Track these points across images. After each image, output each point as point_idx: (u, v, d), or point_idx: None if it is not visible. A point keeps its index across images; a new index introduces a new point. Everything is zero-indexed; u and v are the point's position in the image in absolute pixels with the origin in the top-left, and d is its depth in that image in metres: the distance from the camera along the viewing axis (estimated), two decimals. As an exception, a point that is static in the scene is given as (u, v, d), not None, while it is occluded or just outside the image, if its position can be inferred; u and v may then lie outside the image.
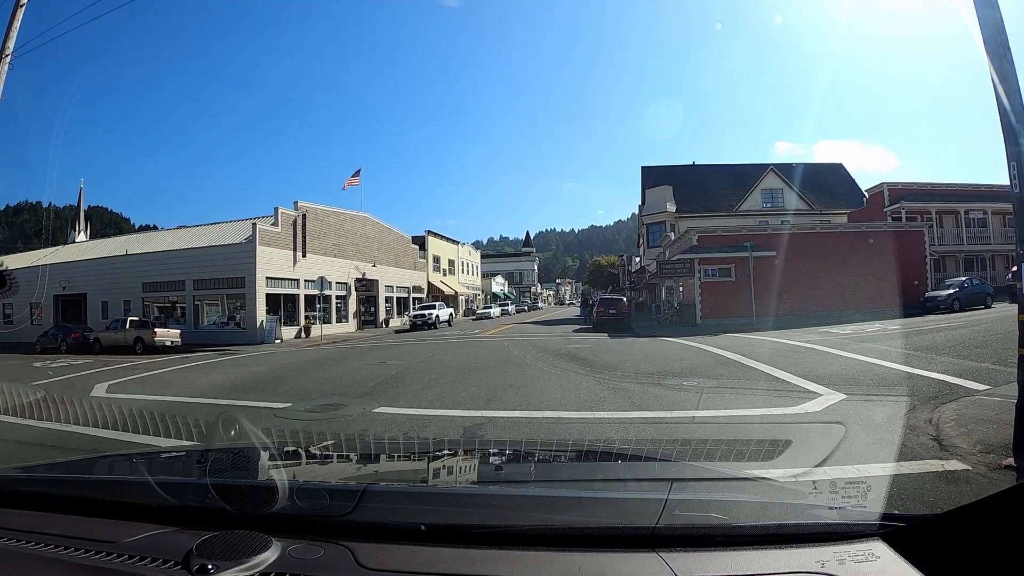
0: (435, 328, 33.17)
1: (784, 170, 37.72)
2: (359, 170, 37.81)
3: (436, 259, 51.12)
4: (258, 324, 26.75)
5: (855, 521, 1.22)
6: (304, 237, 30.40)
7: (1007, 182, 4.66)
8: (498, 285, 77.37)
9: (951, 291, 23.55)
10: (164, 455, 2.87)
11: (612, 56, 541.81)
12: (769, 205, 36.68)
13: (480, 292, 66.52)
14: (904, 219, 34.44)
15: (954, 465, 4.22)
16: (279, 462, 1.95)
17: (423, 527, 1.17)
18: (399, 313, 40.76)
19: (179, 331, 25.03)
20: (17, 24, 10.55)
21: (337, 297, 33.53)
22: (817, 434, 5.47)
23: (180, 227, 38.26)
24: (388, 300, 40.49)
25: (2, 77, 10.27)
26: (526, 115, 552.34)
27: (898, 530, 1.15)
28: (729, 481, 1.78)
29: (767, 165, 38.24)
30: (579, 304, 56.30)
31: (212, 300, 29.43)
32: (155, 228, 55.00)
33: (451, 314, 39.42)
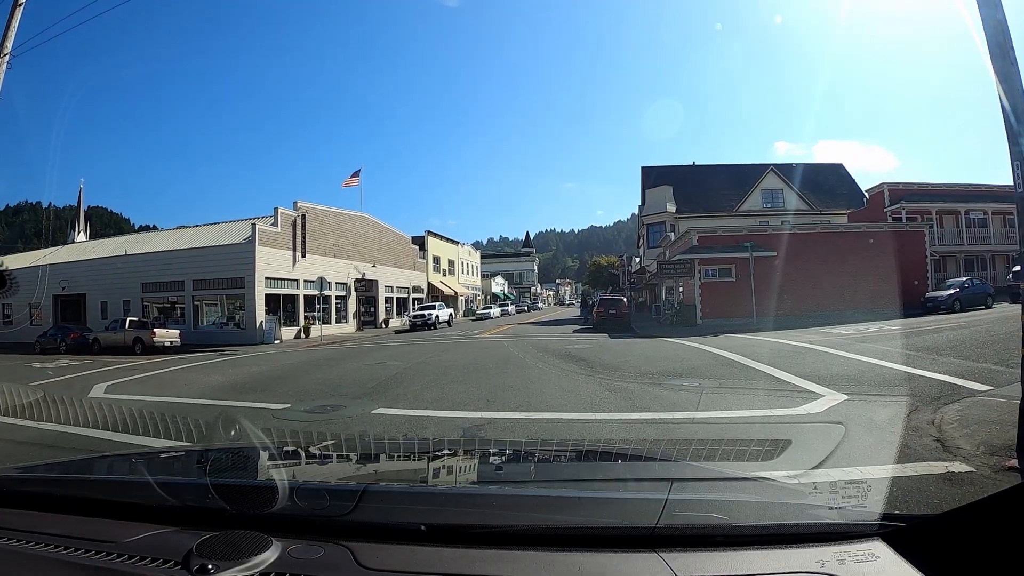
0: (435, 328, 33.17)
1: (784, 170, 37.73)
2: (359, 170, 37.92)
3: (436, 259, 51.13)
4: (257, 324, 26.75)
5: (855, 521, 1.22)
6: (304, 237, 30.40)
7: (1007, 182, 4.66)
8: (498, 285, 77.38)
9: (952, 291, 23.55)
10: (164, 455, 2.86)
11: (612, 56, 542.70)
12: (769, 205, 36.68)
13: (480, 292, 66.54)
14: (904, 219, 34.46)
15: (958, 467, 4.21)
16: (279, 462, 1.95)
17: (423, 527, 1.17)
18: (399, 313, 40.76)
19: (178, 331, 25.02)
20: (16, 23, 10.55)
21: (337, 297, 33.54)
22: (818, 434, 5.47)
23: (180, 227, 38.33)
24: (388, 300, 40.50)
25: (1, 76, 10.26)
26: (526, 115, 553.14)
27: (898, 530, 1.15)
28: (729, 481, 1.78)
29: (767, 165, 38.24)
30: (579, 305, 56.31)
31: (211, 300, 29.44)
32: (155, 228, 55.11)
33: (451, 314, 39.42)
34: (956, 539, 1.10)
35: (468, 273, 62.03)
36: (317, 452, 2.43)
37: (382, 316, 38.83)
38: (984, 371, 8.14)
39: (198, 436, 5.37)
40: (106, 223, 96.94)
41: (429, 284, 47.66)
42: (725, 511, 1.25)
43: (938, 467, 4.24)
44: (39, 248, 45.41)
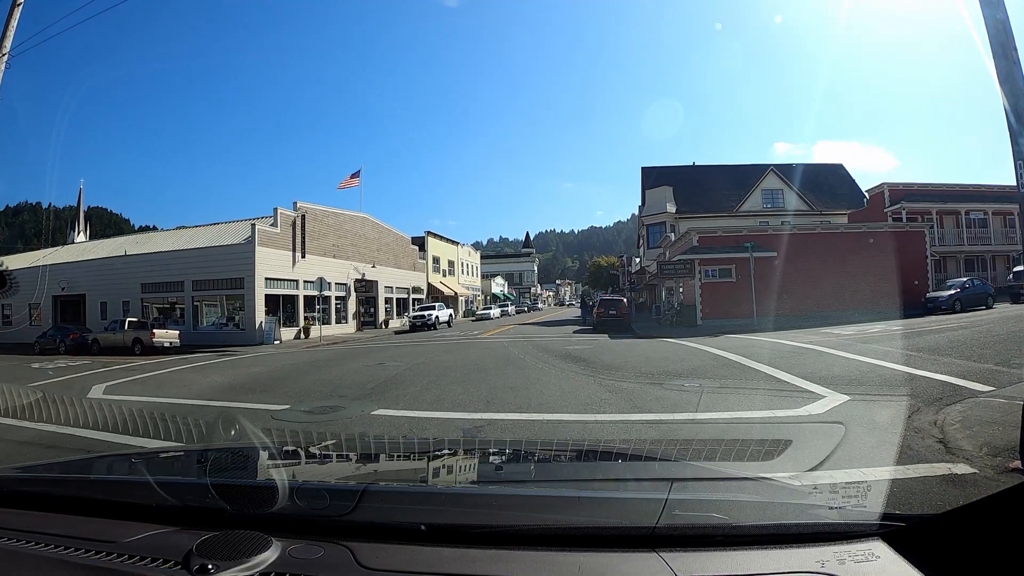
0: (435, 329, 33.17)
1: (784, 170, 37.74)
2: (358, 171, 37.82)
3: (436, 260, 51.15)
4: (257, 325, 26.76)
5: (855, 521, 1.22)
6: (303, 238, 30.41)
7: (1007, 182, 4.68)
8: (498, 286, 77.39)
9: (952, 292, 23.55)
10: (164, 455, 2.86)
11: (612, 56, 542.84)
12: (769, 206, 36.70)
13: (480, 293, 66.55)
14: (905, 219, 34.48)
15: (960, 468, 4.20)
16: (279, 462, 1.95)
17: (423, 527, 1.17)
18: (399, 314, 40.76)
19: (178, 332, 25.03)
20: (15, 23, 10.56)
21: (336, 298, 33.55)
22: (818, 435, 5.46)
23: (179, 228, 38.37)
24: (388, 301, 40.50)
25: (0, 76, 10.27)
26: (526, 115, 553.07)
27: (898, 530, 1.15)
28: (729, 481, 1.78)
29: (767, 166, 38.26)
30: (579, 305, 56.32)
31: (211, 301, 29.46)
32: (154, 229, 55.16)
33: (451, 315, 39.41)
34: (956, 539, 1.10)
35: (468, 274, 62.04)
36: (317, 452, 2.43)
37: (382, 317, 38.84)
38: (986, 372, 8.13)
39: (197, 437, 5.36)
40: (106, 223, 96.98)
41: (429, 285, 47.67)
42: (725, 511, 1.25)
43: (940, 468, 4.23)
44: (39, 248, 45.44)
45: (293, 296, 30.10)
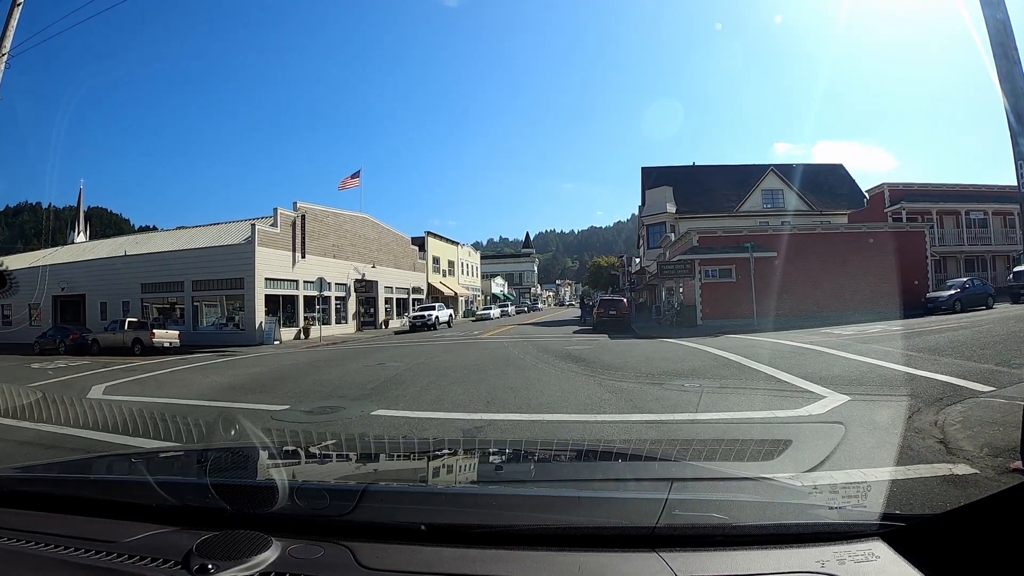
0: (435, 329, 33.17)
1: (784, 171, 37.76)
2: (358, 171, 37.84)
3: (436, 260, 51.16)
4: (257, 325, 26.76)
5: (855, 521, 1.22)
6: (303, 238, 30.41)
7: (1007, 182, 4.68)
8: (498, 286, 77.40)
9: (952, 292, 23.56)
10: (163, 454, 2.86)
11: (612, 56, 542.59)
12: (769, 206, 36.71)
13: (480, 293, 66.56)
14: (905, 220, 34.51)
15: (961, 469, 4.19)
16: (279, 462, 1.95)
17: (423, 527, 1.17)
18: (399, 314, 40.76)
19: (178, 332, 25.02)
20: (15, 23, 10.56)
21: (336, 298, 33.56)
22: (818, 435, 5.47)
23: (179, 228, 38.37)
24: (387, 301, 40.51)
25: None
26: (526, 115, 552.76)
27: (898, 530, 1.15)
28: (729, 481, 1.78)
29: (767, 166, 38.28)
30: (578, 305, 56.30)
31: (211, 301, 29.47)
32: (154, 229, 55.12)
33: (451, 315, 39.41)
34: (956, 539, 1.10)
35: (468, 274, 62.04)
36: (317, 452, 2.43)
37: (382, 317, 38.84)
38: (986, 372, 8.13)
39: (197, 437, 5.36)
40: (106, 224, 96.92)
41: (429, 285, 47.68)
42: (725, 511, 1.25)
43: (941, 469, 4.22)
44: (39, 249, 45.47)
45: (293, 296, 30.10)
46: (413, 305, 41.84)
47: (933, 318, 20.22)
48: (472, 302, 61.29)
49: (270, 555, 1.09)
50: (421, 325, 33.35)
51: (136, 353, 22.49)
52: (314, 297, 29.97)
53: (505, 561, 1.08)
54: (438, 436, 6.25)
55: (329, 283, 30.24)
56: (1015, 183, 4.61)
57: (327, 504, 1.32)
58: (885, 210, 38.10)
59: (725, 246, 26.38)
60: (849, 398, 7.01)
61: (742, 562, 1.06)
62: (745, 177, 37.90)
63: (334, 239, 33.80)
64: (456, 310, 49.36)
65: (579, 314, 42.40)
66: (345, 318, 34.57)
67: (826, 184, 37.52)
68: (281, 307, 29.15)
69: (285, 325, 28.78)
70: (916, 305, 22.92)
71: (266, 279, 28.00)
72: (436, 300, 42.94)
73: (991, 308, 22.78)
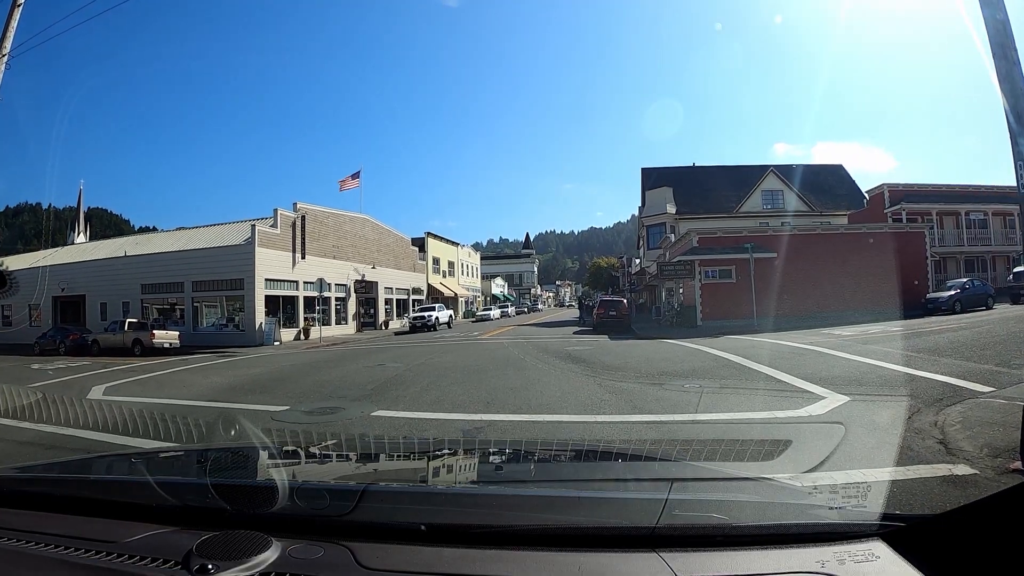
0: (435, 330, 33.18)
1: (784, 171, 37.78)
2: (358, 171, 37.86)
3: (436, 261, 51.17)
4: (257, 326, 26.76)
5: (855, 521, 1.22)
6: (303, 239, 30.42)
7: (1007, 183, 4.68)
8: (498, 287, 77.40)
9: (952, 292, 23.54)
10: (163, 454, 2.86)
11: (612, 57, 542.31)
12: (769, 206, 36.71)
13: (480, 294, 66.57)
14: (905, 220, 34.53)
15: (961, 469, 4.19)
16: (279, 462, 1.95)
17: (423, 527, 1.17)
18: (399, 315, 40.77)
19: (178, 333, 25.03)
20: (15, 23, 10.57)
21: (336, 299, 33.56)
22: (818, 435, 5.47)
23: (179, 229, 38.41)
24: (388, 302, 40.52)
25: (0, 76, 10.27)
26: (525, 116, 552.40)
27: (898, 530, 1.15)
28: (729, 481, 1.78)
29: (767, 166, 38.30)
30: (578, 306, 56.28)
31: (211, 302, 29.48)
32: (154, 230, 55.11)
33: (451, 316, 39.43)
34: (956, 539, 1.10)
35: (468, 275, 62.04)
36: (317, 452, 2.43)
37: (382, 318, 38.85)
38: (986, 372, 8.13)
39: (198, 437, 5.36)
40: (106, 224, 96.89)
41: (429, 286, 47.69)
42: (725, 511, 1.25)
43: (941, 469, 4.22)
44: (39, 249, 45.43)
45: (293, 297, 30.11)
46: (413, 306, 41.84)
47: (933, 319, 20.22)
48: (472, 303, 61.30)
49: (270, 555, 1.09)
50: (421, 326, 33.35)
51: (136, 354, 22.48)
52: (314, 298, 29.97)
53: (505, 561, 1.08)
54: (438, 437, 6.26)
55: (329, 284, 30.23)
56: (1015, 184, 4.60)
57: (327, 504, 1.33)
58: (885, 211, 38.14)
59: (725, 247, 26.38)
60: (849, 399, 7.01)
61: (742, 562, 1.06)
62: (745, 178, 37.93)
63: (334, 240, 33.81)
64: (456, 311, 49.36)
65: (579, 315, 42.39)
66: (345, 319, 34.57)
67: (826, 185, 37.54)
68: (281, 308, 29.15)
69: (285, 326, 28.79)
70: (916, 306, 22.91)
71: (266, 280, 28.00)
72: (436, 301, 42.95)
73: (991, 309, 22.77)
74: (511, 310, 61.00)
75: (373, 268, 37.32)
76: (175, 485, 1.56)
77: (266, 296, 27.98)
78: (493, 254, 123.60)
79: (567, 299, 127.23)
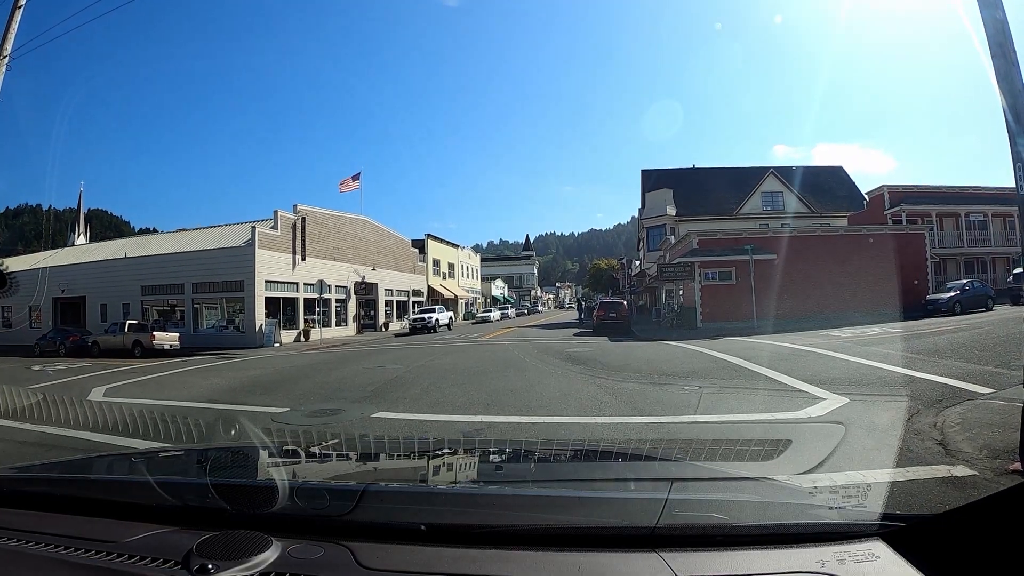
0: (435, 332, 33.16)
1: (784, 173, 37.82)
2: (358, 173, 37.88)
3: (436, 263, 51.17)
4: (257, 328, 26.75)
5: (855, 521, 1.22)
6: (303, 240, 30.43)
7: (1007, 184, 4.66)
8: (498, 289, 77.40)
9: (952, 294, 23.53)
10: (163, 454, 2.86)
11: (612, 58, 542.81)
12: (769, 208, 36.75)
13: (480, 296, 66.56)
14: (904, 222, 34.51)
15: (960, 470, 4.19)
16: (279, 462, 1.95)
17: (423, 527, 1.17)
18: (399, 317, 40.75)
19: (178, 334, 25.03)
20: (15, 25, 10.57)
21: (336, 301, 33.55)
22: (818, 436, 5.46)
23: (179, 230, 38.45)
24: (388, 304, 40.52)
25: (0, 78, 10.28)
26: (526, 118, 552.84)
27: (898, 530, 1.15)
28: (729, 481, 1.78)
29: (767, 168, 38.35)
30: (576, 308, 56.24)
31: (211, 303, 29.49)
32: (155, 231, 55.15)
33: (451, 318, 39.41)
34: (956, 539, 1.10)
35: (468, 276, 62.04)
36: (317, 452, 2.43)
37: (382, 319, 38.85)
38: (986, 374, 8.13)
39: (198, 438, 5.36)
40: (106, 226, 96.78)
41: (429, 287, 47.69)
42: (725, 511, 1.25)
43: (940, 470, 4.22)
44: (39, 251, 45.45)
45: (293, 299, 30.11)
46: (413, 308, 41.82)
47: (933, 320, 20.21)
48: (472, 305, 61.29)
49: (270, 555, 1.09)
50: (421, 328, 33.32)
51: (136, 355, 22.48)
52: (314, 300, 29.95)
53: (505, 561, 1.08)
54: (438, 437, 6.25)
55: (329, 285, 30.21)
56: (1014, 185, 4.59)
57: (327, 504, 1.33)
58: (885, 212, 38.16)
59: (725, 248, 26.39)
60: (849, 400, 7.01)
61: (742, 562, 1.06)
62: (745, 179, 37.97)
63: (334, 241, 33.82)
64: (456, 313, 49.34)
65: (579, 316, 42.36)
66: (345, 320, 34.57)
67: (826, 186, 37.57)
68: (281, 309, 29.15)
69: (285, 327, 28.78)
70: (916, 307, 22.90)
71: (266, 281, 28.01)
72: (436, 303, 42.94)
73: (991, 310, 22.76)
74: (511, 312, 60.96)
75: (373, 270, 37.33)
76: (175, 485, 1.56)
77: (266, 298, 27.98)
78: (493, 256, 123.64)
79: (567, 301, 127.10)
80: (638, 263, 49.86)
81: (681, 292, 29.91)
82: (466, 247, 64.05)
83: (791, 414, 6.54)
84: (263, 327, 26.84)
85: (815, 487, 1.79)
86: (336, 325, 33.13)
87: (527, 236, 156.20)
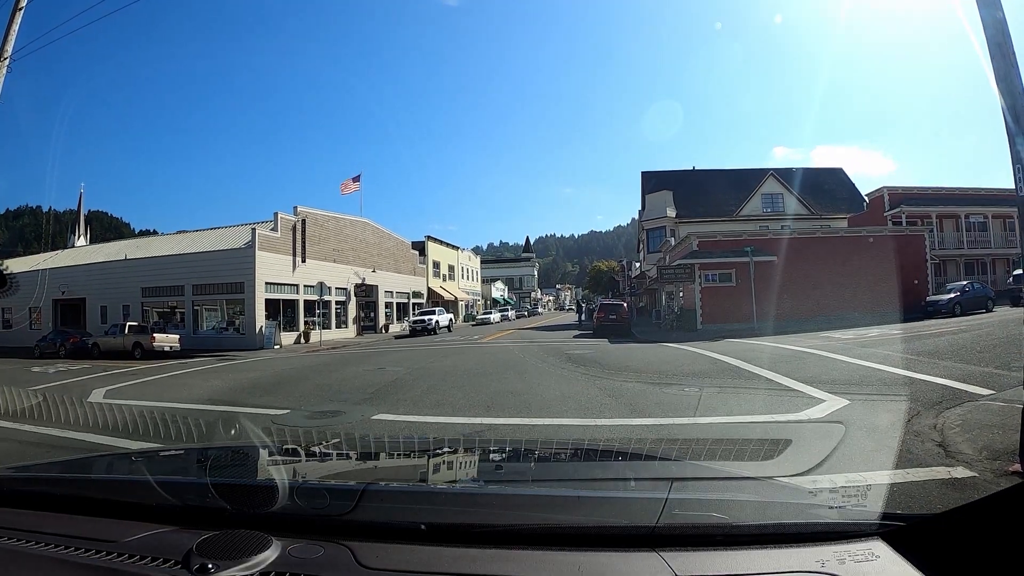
0: (435, 334, 33.15)
1: (784, 175, 37.82)
2: (359, 175, 37.97)
3: (436, 264, 51.20)
4: (257, 329, 26.76)
5: (855, 521, 1.22)
6: (304, 242, 30.44)
7: (1006, 185, 4.65)
8: (498, 290, 77.38)
9: (952, 295, 23.53)
10: (163, 453, 2.86)
11: (612, 59, 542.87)
12: (769, 210, 36.76)
13: (480, 297, 66.55)
14: (904, 223, 34.48)
15: (960, 471, 4.20)
16: (279, 462, 1.95)
17: (423, 526, 1.17)
18: (399, 319, 40.77)
19: (178, 336, 25.04)
20: (16, 27, 10.59)
21: (337, 303, 33.54)
22: (818, 436, 5.46)
23: (180, 232, 38.45)
24: (388, 306, 40.52)
25: (1, 80, 10.29)
26: (526, 119, 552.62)
27: (898, 530, 1.15)
28: (729, 480, 1.78)
29: (767, 170, 38.35)
30: (576, 310, 56.22)
31: (211, 305, 29.49)
32: (155, 233, 55.15)
33: (451, 320, 39.39)
34: (955, 538, 1.10)
35: (468, 278, 62.06)
36: (317, 452, 2.43)
37: (382, 321, 38.84)
38: (986, 375, 8.13)
39: (198, 438, 5.36)
40: (106, 227, 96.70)
41: (429, 289, 47.70)
42: (725, 510, 1.25)
43: (940, 472, 4.22)
44: (39, 252, 45.44)
45: (293, 300, 30.11)
46: (413, 309, 41.82)
47: (933, 321, 20.21)
48: (472, 306, 61.30)
49: (270, 555, 1.09)
50: (421, 329, 33.31)
51: (136, 357, 22.49)
52: (314, 301, 29.95)
53: (505, 561, 1.08)
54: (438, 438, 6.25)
55: (329, 287, 30.20)
56: (1013, 186, 4.59)
57: (327, 504, 1.33)
58: (885, 214, 38.14)
59: (725, 250, 26.40)
60: (848, 402, 7.01)
61: (742, 562, 1.06)
62: (745, 181, 37.96)
63: (334, 243, 33.84)
64: (456, 314, 49.34)
65: (578, 318, 42.34)
66: (345, 322, 34.57)
67: (826, 188, 37.58)
68: (281, 311, 29.15)
69: (285, 329, 28.77)
70: (916, 308, 22.89)
71: (266, 283, 28.01)
72: (436, 304, 42.94)
73: (991, 311, 22.76)
74: (511, 314, 60.86)
75: (373, 272, 37.33)
76: (175, 484, 1.56)
77: (266, 300, 27.98)
78: (493, 258, 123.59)
79: (567, 303, 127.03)
80: (638, 265, 49.85)
81: (681, 294, 29.91)
82: (466, 249, 64.12)
83: (791, 415, 6.54)
84: (263, 329, 26.84)
85: (815, 487, 1.78)
86: (336, 327, 33.13)
87: (527, 238, 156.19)
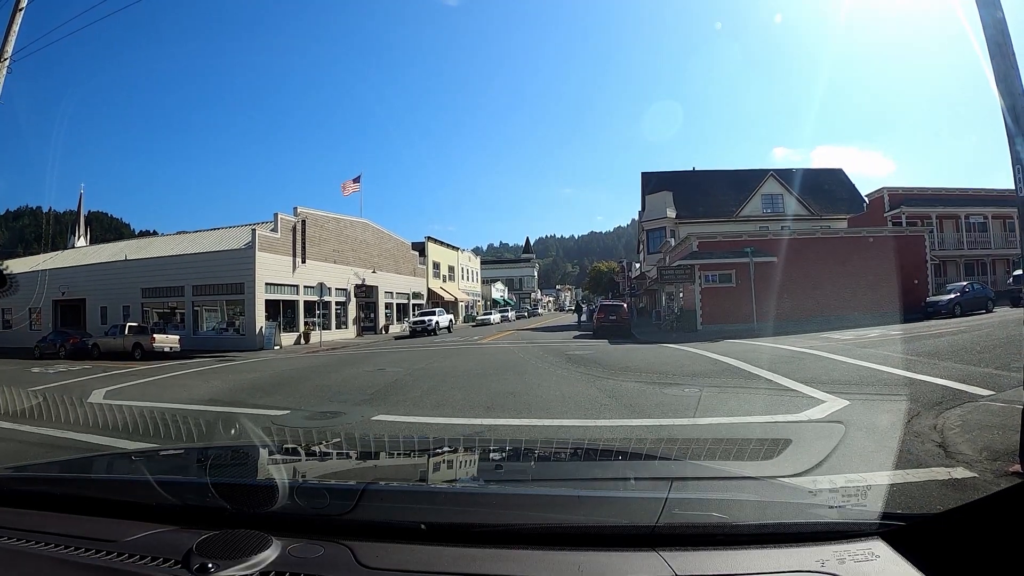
0: (435, 334, 33.15)
1: (784, 175, 37.81)
2: (359, 176, 38.03)
3: (436, 265, 51.19)
4: (257, 330, 26.75)
5: (855, 520, 1.22)
6: (304, 243, 30.45)
7: (1006, 185, 4.66)
8: (498, 291, 77.39)
9: (952, 296, 23.53)
10: (163, 453, 2.86)
11: (612, 59, 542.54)
12: (769, 210, 36.75)
13: (480, 298, 66.55)
14: (904, 224, 34.48)
15: (960, 472, 4.19)
16: (279, 461, 1.95)
17: (423, 526, 1.17)
18: (399, 319, 40.78)
19: (178, 337, 25.02)
20: (16, 27, 10.60)
21: (337, 303, 33.54)
22: (818, 436, 5.46)
23: (180, 232, 38.48)
24: (388, 306, 40.52)
25: (1, 81, 10.30)
26: (526, 120, 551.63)
27: (898, 529, 1.15)
28: (729, 480, 1.78)
29: (767, 170, 38.32)
30: (575, 311, 56.18)
31: (211, 306, 29.49)
32: (155, 234, 55.18)
33: (451, 320, 39.40)
34: (955, 538, 1.10)
35: (468, 279, 62.06)
36: (317, 451, 2.43)
37: (382, 322, 38.84)
38: (985, 376, 8.13)
39: (198, 439, 5.36)
40: (106, 228, 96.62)
41: (429, 290, 47.69)
42: (725, 510, 1.26)
43: (940, 472, 4.22)
44: (39, 253, 45.42)
45: (293, 301, 30.11)
46: (413, 310, 41.81)
47: (933, 322, 20.21)
48: (472, 307, 61.30)
49: (270, 554, 1.08)
50: (421, 330, 33.31)
51: (136, 358, 22.48)
52: (314, 302, 29.94)
53: (505, 560, 1.08)
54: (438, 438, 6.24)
55: (329, 288, 30.20)
56: (1013, 187, 4.59)
57: (327, 503, 1.33)
58: (885, 214, 38.15)
59: (725, 251, 26.41)
60: (848, 402, 7.00)
61: (742, 561, 1.06)
62: (745, 182, 37.96)
63: (335, 244, 33.84)
64: (456, 315, 49.34)
65: (578, 319, 42.31)
66: (345, 323, 34.56)
67: (826, 188, 37.57)
68: (281, 312, 29.15)
69: (285, 330, 28.76)
70: (916, 309, 22.89)
71: (266, 284, 28.01)
72: (436, 305, 42.93)
73: (991, 312, 22.76)
74: (511, 314, 60.83)
75: (373, 272, 37.33)
76: (175, 484, 1.56)
77: (266, 300, 27.98)
78: (493, 258, 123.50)
79: (567, 303, 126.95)
80: (638, 266, 49.88)
81: (681, 294, 29.91)
82: (466, 250, 64.13)
83: (791, 416, 6.54)
84: (263, 330, 26.84)
85: (815, 487, 1.78)
86: (336, 328, 33.12)
87: (527, 239, 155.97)
